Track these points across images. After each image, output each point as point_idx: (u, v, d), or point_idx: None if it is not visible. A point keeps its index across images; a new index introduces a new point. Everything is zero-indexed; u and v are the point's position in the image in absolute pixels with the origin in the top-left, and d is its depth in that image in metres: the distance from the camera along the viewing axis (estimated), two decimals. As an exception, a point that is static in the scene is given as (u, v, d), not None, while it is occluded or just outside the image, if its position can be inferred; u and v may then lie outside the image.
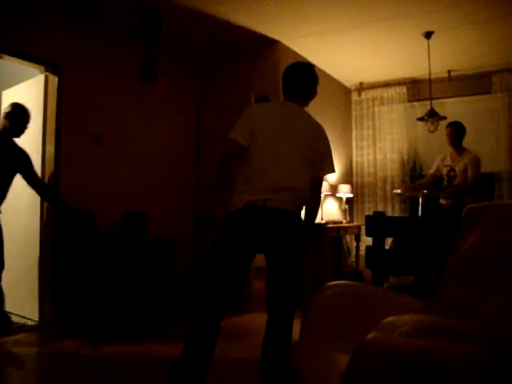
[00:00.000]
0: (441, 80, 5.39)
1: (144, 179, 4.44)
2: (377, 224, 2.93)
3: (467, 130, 4.46)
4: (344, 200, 5.73)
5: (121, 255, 3.62)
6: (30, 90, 3.97)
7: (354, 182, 6.11)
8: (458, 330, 0.91)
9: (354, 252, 5.69)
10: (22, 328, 3.53)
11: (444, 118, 4.72)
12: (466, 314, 1.44)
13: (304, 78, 2.31)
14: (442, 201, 4.48)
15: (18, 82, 4.17)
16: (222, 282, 2.12)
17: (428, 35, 4.44)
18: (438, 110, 4.78)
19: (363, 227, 3.81)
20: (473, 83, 5.50)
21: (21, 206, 3.83)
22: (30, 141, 3.64)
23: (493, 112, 5.43)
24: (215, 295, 2.11)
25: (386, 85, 5.96)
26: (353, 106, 6.27)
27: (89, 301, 3.52)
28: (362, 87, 6.14)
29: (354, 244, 5.66)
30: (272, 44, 4.71)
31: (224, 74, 5.03)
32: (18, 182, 3.39)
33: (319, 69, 4.82)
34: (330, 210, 5.54)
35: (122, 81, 4.29)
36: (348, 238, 5.79)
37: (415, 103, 5.82)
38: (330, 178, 5.28)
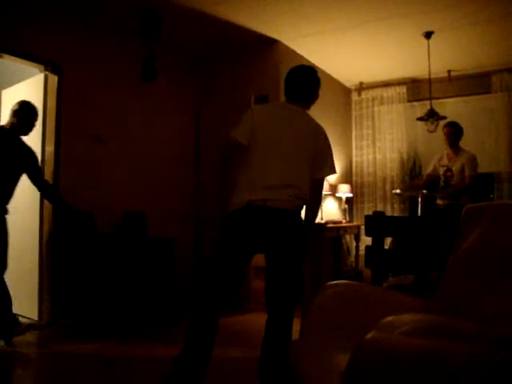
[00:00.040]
0: (441, 80, 5.39)
1: (144, 179, 4.44)
2: (376, 224, 2.94)
3: (467, 130, 4.46)
4: (344, 200, 5.73)
5: (121, 255, 3.62)
6: (29, 89, 3.96)
7: (353, 182, 6.11)
8: (457, 329, 0.91)
9: (353, 252, 5.69)
10: (29, 328, 3.48)
11: (444, 117, 4.71)
12: (466, 314, 1.44)
13: (307, 81, 2.33)
14: (439, 201, 4.48)
15: (17, 81, 4.16)
16: (222, 282, 2.12)
17: (428, 35, 4.44)
18: (437, 109, 4.78)
19: (363, 227, 3.80)
20: (472, 83, 5.50)
21: (21, 206, 3.81)
22: (30, 140, 3.62)
23: (492, 112, 5.43)
24: (214, 294, 2.12)
25: (386, 85, 5.96)
26: (353, 105, 6.26)
27: (89, 301, 3.52)
28: (361, 87, 6.14)
29: (354, 244, 5.66)
30: (272, 44, 4.71)
31: (224, 73, 5.03)
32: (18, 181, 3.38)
33: (319, 68, 4.82)
34: (329, 210, 5.54)
35: (122, 81, 4.29)
36: (348, 237, 5.79)
37: (415, 103, 5.82)
38: (330, 178, 5.28)
